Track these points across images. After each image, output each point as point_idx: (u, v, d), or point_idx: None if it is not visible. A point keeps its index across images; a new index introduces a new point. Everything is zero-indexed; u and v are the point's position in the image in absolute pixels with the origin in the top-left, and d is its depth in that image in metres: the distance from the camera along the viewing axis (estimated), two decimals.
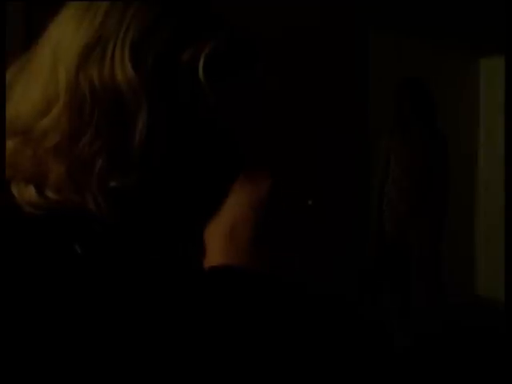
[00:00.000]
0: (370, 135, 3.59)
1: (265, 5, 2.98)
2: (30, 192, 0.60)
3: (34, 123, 0.61)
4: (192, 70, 0.61)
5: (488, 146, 4.58)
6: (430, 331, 3.42)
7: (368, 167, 3.60)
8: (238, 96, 0.65)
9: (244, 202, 0.63)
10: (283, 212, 0.64)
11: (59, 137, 0.59)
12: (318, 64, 3.29)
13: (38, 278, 0.55)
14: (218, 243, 0.62)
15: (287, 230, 0.64)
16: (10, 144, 0.62)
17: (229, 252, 0.61)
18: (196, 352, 0.56)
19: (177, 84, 0.61)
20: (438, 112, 3.46)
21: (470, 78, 4.58)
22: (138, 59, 0.59)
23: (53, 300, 0.54)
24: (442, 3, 3.84)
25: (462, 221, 4.42)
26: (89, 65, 0.59)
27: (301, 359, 0.60)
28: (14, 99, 0.64)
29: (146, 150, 0.59)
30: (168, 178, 0.63)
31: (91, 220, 0.60)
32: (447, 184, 3.48)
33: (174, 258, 0.64)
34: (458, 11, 3.93)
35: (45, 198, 0.60)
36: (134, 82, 0.59)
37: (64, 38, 0.62)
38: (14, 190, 0.60)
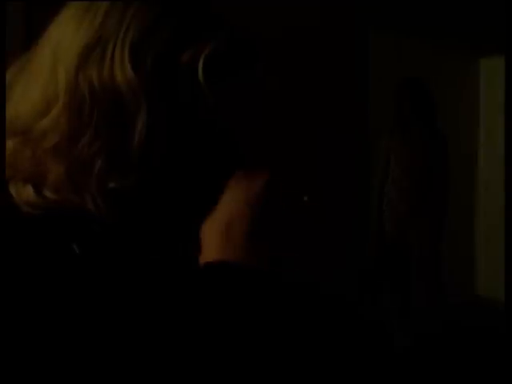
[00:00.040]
0: (370, 135, 3.59)
1: (265, 5, 2.98)
2: (28, 192, 0.60)
3: (34, 123, 0.61)
4: (191, 71, 0.61)
5: (488, 146, 4.57)
6: (430, 331, 3.42)
7: (368, 167, 3.60)
8: (237, 96, 0.65)
9: (240, 198, 0.63)
10: (280, 208, 0.64)
11: (58, 137, 0.59)
12: (318, 64, 3.29)
13: (36, 278, 0.55)
14: (215, 239, 0.62)
15: (284, 226, 0.64)
16: (9, 144, 0.62)
17: (225, 248, 0.61)
18: (193, 349, 0.56)
19: (176, 85, 0.61)
20: (438, 112, 3.46)
21: (469, 78, 4.58)
22: (138, 60, 0.59)
23: (50, 299, 0.54)
24: (441, 3, 3.84)
25: (461, 221, 4.42)
26: (88, 65, 0.59)
27: (298, 357, 0.60)
28: (13, 99, 0.64)
29: (145, 151, 0.59)
30: (167, 179, 0.63)
31: (89, 220, 0.60)
32: (447, 184, 3.48)
33: (172, 258, 0.63)
34: (457, 11, 3.93)
35: (43, 197, 0.59)
36: (133, 82, 0.58)
37: (64, 38, 0.62)
38: (12, 190, 0.60)
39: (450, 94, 4.23)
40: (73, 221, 0.59)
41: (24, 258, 0.56)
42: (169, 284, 0.60)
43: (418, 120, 3.40)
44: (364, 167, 3.58)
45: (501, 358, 1.85)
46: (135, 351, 0.55)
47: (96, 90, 0.59)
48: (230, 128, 0.66)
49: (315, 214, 2.71)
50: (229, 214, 0.62)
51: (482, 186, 4.65)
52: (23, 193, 0.60)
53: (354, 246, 3.48)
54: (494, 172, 4.32)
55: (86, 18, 0.61)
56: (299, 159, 3.08)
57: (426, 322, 3.41)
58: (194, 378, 0.55)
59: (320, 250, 3.05)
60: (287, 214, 0.65)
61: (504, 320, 1.71)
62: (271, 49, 2.52)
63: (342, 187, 3.39)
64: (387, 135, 3.47)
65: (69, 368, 0.53)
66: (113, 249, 0.60)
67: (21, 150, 0.61)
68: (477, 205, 4.67)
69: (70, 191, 0.60)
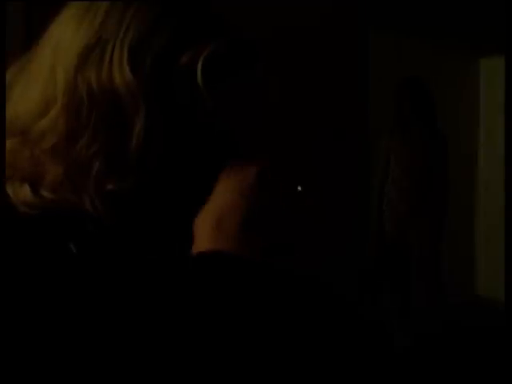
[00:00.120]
0: (370, 135, 3.59)
1: (265, 5, 2.98)
2: (25, 191, 0.59)
3: (32, 124, 0.60)
4: (190, 73, 0.60)
5: (488, 146, 4.58)
6: (430, 331, 3.42)
7: (368, 167, 3.60)
8: (237, 97, 0.65)
9: (233, 189, 0.62)
10: (273, 199, 0.63)
11: (56, 138, 0.59)
12: (318, 64, 3.29)
13: (32, 277, 0.55)
14: (207, 230, 0.61)
15: (277, 217, 0.64)
16: (8, 144, 0.61)
17: (217, 239, 0.60)
18: (188, 344, 0.55)
19: (175, 87, 0.60)
20: (438, 112, 3.46)
21: (469, 78, 4.58)
22: (137, 62, 0.59)
23: (47, 298, 0.54)
24: (441, 3, 3.83)
25: (462, 221, 4.42)
26: (87, 66, 0.59)
27: (294, 354, 0.60)
28: (13, 99, 0.64)
29: (144, 153, 0.59)
30: (165, 181, 0.63)
31: (86, 219, 0.59)
32: (447, 184, 3.48)
33: (169, 257, 0.63)
34: (457, 11, 3.93)
35: (40, 197, 0.59)
36: (131, 85, 0.58)
37: (64, 38, 0.62)
38: (9, 190, 0.60)
39: (449, 94, 4.23)
40: (70, 220, 0.59)
41: (20, 258, 0.55)
42: (165, 283, 0.60)
43: (418, 120, 3.40)
44: (364, 167, 3.58)
45: (501, 357, 1.85)
46: (131, 349, 0.55)
47: (94, 91, 0.59)
48: (229, 129, 0.65)
49: (310, 204, 2.71)
50: (222, 204, 0.62)
51: (482, 186, 4.65)
52: (20, 192, 0.59)
53: (354, 245, 3.48)
54: (494, 172, 4.32)
55: (86, 18, 0.61)
56: (299, 159, 3.08)
57: (426, 322, 3.42)
58: (192, 372, 0.55)
59: (320, 249, 3.05)
60: (281, 205, 0.64)
61: (504, 320, 1.71)
62: (271, 49, 2.52)
63: (342, 187, 3.39)
64: (387, 135, 3.47)
65: (64, 367, 0.53)
66: (109, 248, 0.60)
67: (19, 150, 0.61)
68: (477, 205, 4.67)
69: (67, 191, 0.60)
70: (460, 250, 4.46)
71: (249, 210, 0.61)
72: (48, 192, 0.60)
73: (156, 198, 0.63)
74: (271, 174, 0.64)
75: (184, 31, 0.61)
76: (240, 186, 0.62)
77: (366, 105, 3.58)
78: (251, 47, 0.66)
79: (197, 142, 0.63)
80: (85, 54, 0.59)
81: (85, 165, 0.59)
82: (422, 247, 3.42)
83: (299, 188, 0.71)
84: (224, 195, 0.62)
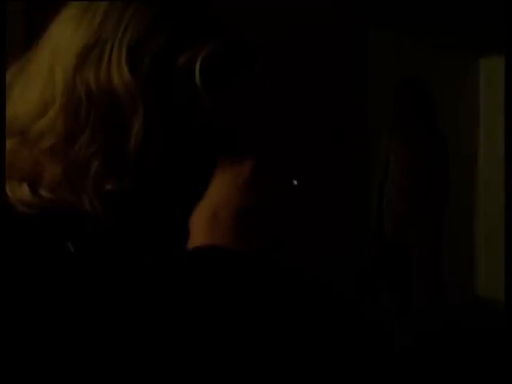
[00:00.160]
0: (369, 135, 3.59)
1: (265, 5, 2.98)
2: (23, 191, 0.59)
3: (31, 124, 0.61)
4: (189, 73, 0.60)
5: (488, 146, 4.58)
6: (430, 331, 3.42)
7: (368, 167, 3.60)
8: (235, 98, 0.65)
9: (228, 184, 0.62)
10: (268, 194, 0.63)
11: (55, 139, 0.59)
12: (318, 64, 3.29)
13: (30, 276, 0.55)
14: (203, 224, 0.61)
15: (273, 211, 0.64)
16: (7, 144, 0.62)
17: (213, 233, 0.60)
18: (188, 343, 0.55)
19: (173, 87, 0.61)
20: (438, 112, 3.46)
21: (470, 78, 4.58)
22: (135, 62, 0.59)
23: (45, 298, 0.54)
24: (441, 3, 3.84)
25: (461, 221, 4.42)
26: (86, 67, 0.59)
27: (292, 353, 0.60)
28: (12, 99, 0.64)
29: (142, 153, 0.59)
30: (163, 181, 0.63)
31: (85, 219, 0.59)
32: (447, 184, 3.48)
33: (167, 256, 0.63)
34: (457, 11, 3.93)
35: (38, 196, 0.59)
36: (130, 85, 0.58)
37: (63, 38, 0.62)
38: (8, 189, 0.60)
39: (449, 94, 4.23)
40: (68, 220, 0.59)
41: (18, 257, 0.55)
42: (162, 280, 0.60)
43: (418, 120, 3.40)
44: (364, 167, 3.58)
45: (501, 358, 1.85)
46: (130, 346, 0.55)
47: (93, 92, 0.59)
48: (228, 129, 0.65)
49: (310, 204, 2.71)
50: (217, 199, 0.62)
51: (482, 186, 4.65)
52: (18, 192, 0.59)
53: (353, 245, 3.48)
54: (494, 172, 4.32)
55: (85, 18, 0.61)
56: (299, 159, 3.08)
57: (426, 322, 3.42)
58: (187, 366, 0.55)
59: (320, 249, 3.05)
60: (276, 200, 0.64)
61: (504, 320, 1.71)
62: (271, 49, 2.52)
63: (342, 187, 3.39)
64: (387, 135, 3.47)
65: (63, 366, 0.53)
66: (108, 248, 0.60)
67: (18, 150, 0.61)
68: (477, 205, 4.67)
69: (66, 191, 0.60)
70: (460, 250, 4.46)
71: (244, 205, 0.62)
72: (46, 192, 0.60)
73: (154, 198, 0.63)
74: (266, 168, 0.64)
75: (182, 31, 0.61)
76: (235, 181, 0.62)
77: (366, 105, 3.58)
78: (250, 47, 0.66)
79: (195, 142, 0.63)
80: (83, 54, 0.59)
81: (83, 165, 0.59)
82: (421, 247, 3.42)
83: (295, 182, 0.71)
84: (220, 190, 0.62)
